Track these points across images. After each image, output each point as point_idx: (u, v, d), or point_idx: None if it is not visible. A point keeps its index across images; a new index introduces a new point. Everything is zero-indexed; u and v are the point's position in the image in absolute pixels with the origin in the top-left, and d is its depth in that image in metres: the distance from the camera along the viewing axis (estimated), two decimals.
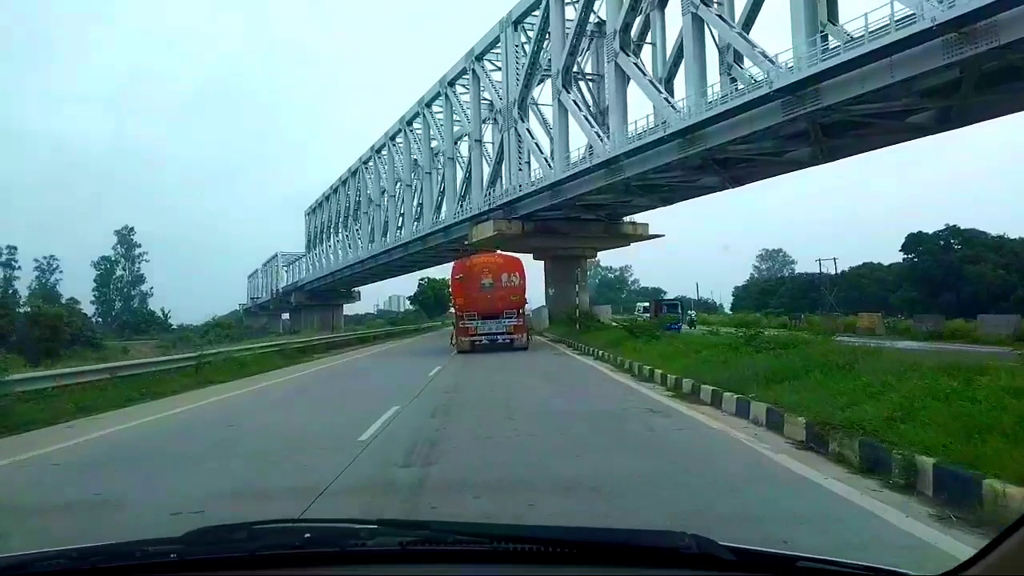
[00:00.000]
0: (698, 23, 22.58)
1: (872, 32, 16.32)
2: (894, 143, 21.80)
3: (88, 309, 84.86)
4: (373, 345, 33.43)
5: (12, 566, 1.55)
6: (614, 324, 30.24)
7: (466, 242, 38.09)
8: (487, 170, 39.02)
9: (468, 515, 4.34)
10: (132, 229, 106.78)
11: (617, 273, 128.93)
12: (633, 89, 27.52)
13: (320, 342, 25.35)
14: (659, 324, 21.80)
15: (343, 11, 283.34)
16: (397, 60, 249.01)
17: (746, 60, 23.61)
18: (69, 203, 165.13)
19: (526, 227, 34.45)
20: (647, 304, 43.50)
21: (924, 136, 20.57)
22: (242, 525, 1.74)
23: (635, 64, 26.26)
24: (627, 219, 36.48)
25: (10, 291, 79.18)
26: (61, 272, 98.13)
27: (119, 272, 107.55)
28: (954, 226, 48.32)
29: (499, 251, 37.92)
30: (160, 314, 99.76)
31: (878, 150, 22.93)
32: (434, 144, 47.54)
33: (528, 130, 34.26)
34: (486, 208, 36.18)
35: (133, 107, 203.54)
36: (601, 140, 27.76)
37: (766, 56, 19.84)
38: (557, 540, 1.52)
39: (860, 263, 65.98)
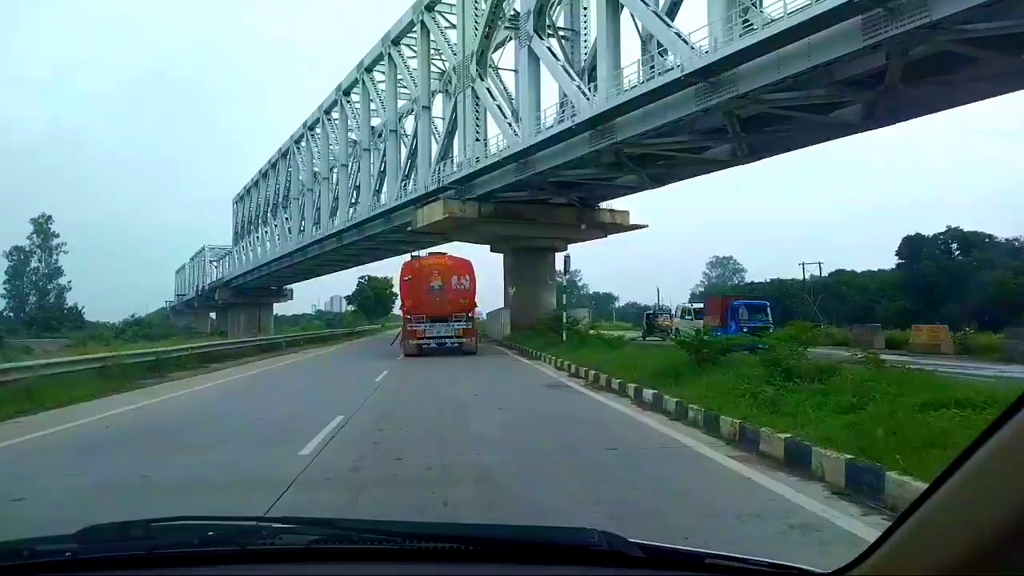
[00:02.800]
0: None
1: None
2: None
3: None
4: (282, 355, 26.09)
5: None
6: (623, 335, 24.93)
7: (410, 228, 31.42)
8: (435, 147, 32.43)
9: None
10: (50, 217, 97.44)
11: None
12: (625, 37, 21.61)
13: (190, 352, 18.00)
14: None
15: None
16: (345, 33, 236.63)
17: None
18: None
19: (483, 210, 27.97)
20: (696, 306, 29.75)
21: None
22: (138, 523, 1.50)
23: None
24: (604, 205, 30.38)
25: None
26: None
27: (34, 264, 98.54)
28: (956, 228, 43.88)
29: (451, 239, 31.78)
30: (76, 310, 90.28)
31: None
32: (375, 122, 40.64)
33: (488, 90, 27.76)
34: (435, 187, 29.52)
35: (63, 92, 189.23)
36: (585, 96, 21.54)
37: None
38: (466, 538, 1.44)
39: (834, 270, 61.86)
